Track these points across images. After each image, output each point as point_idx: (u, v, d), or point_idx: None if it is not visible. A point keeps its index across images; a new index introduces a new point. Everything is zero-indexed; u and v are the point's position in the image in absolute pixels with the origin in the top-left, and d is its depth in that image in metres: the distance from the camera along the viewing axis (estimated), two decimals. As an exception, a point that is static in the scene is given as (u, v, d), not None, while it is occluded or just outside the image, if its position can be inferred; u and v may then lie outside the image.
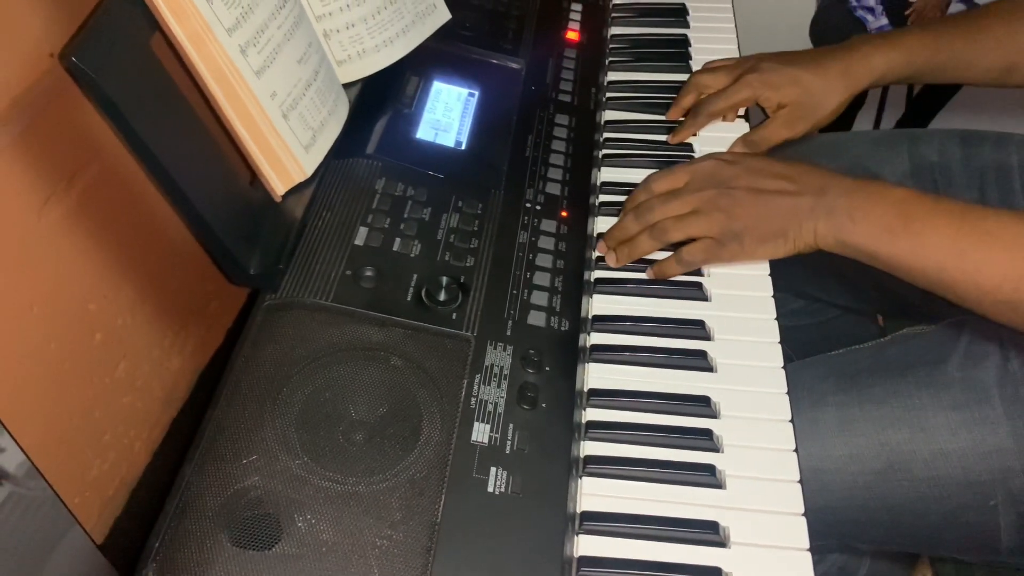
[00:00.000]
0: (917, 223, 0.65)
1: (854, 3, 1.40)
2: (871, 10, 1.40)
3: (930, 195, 0.67)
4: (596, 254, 0.78)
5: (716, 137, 0.87)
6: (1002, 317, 0.64)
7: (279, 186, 0.71)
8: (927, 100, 1.48)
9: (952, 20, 0.87)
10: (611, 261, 0.77)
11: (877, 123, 1.51)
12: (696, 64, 0.97)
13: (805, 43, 1.46)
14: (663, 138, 0.89)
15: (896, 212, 0.66)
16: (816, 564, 0.59)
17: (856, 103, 1.49)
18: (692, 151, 0.87)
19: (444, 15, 0.88)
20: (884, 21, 1.40)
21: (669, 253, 0.76)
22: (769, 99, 0.86)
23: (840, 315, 1.12)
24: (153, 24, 0.60)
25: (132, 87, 0.57)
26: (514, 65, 0.93)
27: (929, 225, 0.65)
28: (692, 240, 0.74)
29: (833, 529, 0.76)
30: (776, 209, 0.70)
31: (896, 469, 0.72)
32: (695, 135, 0.89)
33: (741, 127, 0.90)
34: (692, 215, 0.73)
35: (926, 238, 0.65)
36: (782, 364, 0.70)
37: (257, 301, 0.68)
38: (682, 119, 0.91)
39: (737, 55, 0.96)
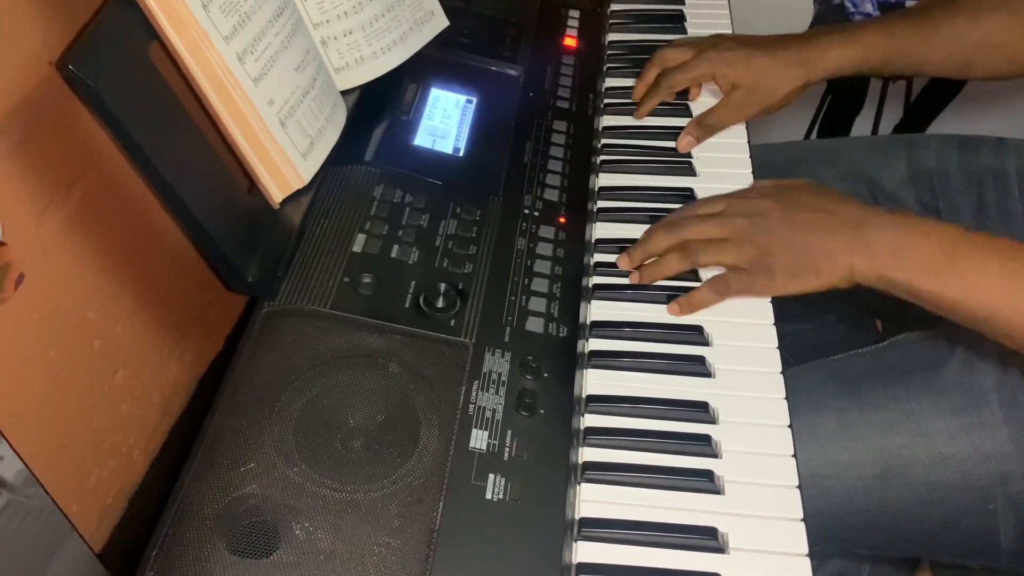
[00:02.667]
0: (964, 261, 0.64)
1: (851, 9, 1.40)
2: (868, 16, 1.40)
3: (977, 233, 0.65)
4: (595, 259, 0.78)
5: (718, 157, 0.88)
6: None
7: (277, 193, 0.71)
8: (925, 105, 1.48)
9: (910, 16, 0.86)
10: (633, 279, 0.76)
11: (875, 128, 1.51)
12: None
13: (803, 48, 1.46)
14: (661, 144, 0.89)
15: (942, 250, 0.65)
16: (816, 570, 0.59)
17: (854, 108, 1.50)
18: (690, 157, 0.88)
19: (442, 22, 0.88)
20: (881, 26, 1.40)
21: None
22: (725, 76, 0.87)
23: (838, 320, 1.12)
24: (151, 32, 0.60)
25: (130, 95, 0.58)
26: (512, 72, 0.93)
27: (976, 263, 0.64)
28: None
29: (832, 534, 0.76)
30: (809, 243, 0.69)
31: (895, 474, 0.72)
32: (669, 124, 0.90)
33: (733, 133, 0.90)
34: (725, 242, 0.72)
35: (974, 277, 0.63)
36: (780, 369, 0.70)
37: (255, 308, 0.68)
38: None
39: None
